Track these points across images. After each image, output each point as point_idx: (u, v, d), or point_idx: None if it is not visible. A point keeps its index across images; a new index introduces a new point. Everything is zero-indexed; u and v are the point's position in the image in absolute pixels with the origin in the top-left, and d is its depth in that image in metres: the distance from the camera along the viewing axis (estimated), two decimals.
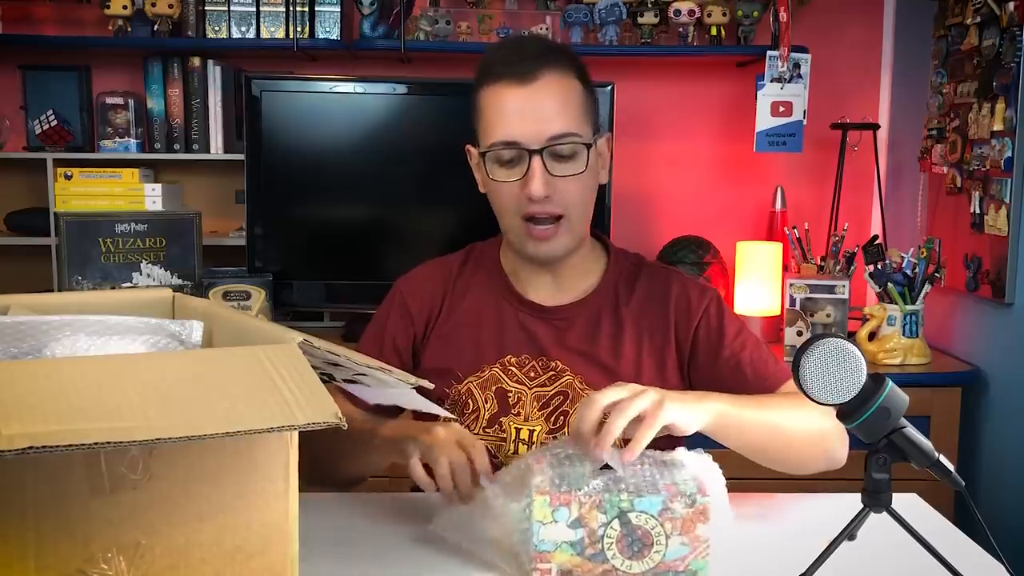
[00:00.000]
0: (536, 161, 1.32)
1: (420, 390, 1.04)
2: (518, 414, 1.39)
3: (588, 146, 1.35)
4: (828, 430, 1.32)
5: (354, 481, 1.43)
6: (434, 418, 1.27)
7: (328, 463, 1.38)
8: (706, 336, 1.42)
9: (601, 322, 1.43)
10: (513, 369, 1.41)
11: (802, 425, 1.30)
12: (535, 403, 1.39)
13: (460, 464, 1.18)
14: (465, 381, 1.41)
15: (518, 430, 1.38)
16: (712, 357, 1.42)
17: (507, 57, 1.36)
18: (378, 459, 1.34)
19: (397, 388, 1.01)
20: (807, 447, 1.33)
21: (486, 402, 1.39)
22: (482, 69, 1.37)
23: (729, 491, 1.35)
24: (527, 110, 1.32)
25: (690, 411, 1.16)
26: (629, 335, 1.42)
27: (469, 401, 1.40)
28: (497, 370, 1.41)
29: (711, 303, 1.44)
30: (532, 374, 1.40)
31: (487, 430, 1.39)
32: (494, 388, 1.40)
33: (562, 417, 1.38)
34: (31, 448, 0.64)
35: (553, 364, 1.40)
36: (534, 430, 1.38)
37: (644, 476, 1.09)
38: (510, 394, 1.39)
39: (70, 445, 0.66)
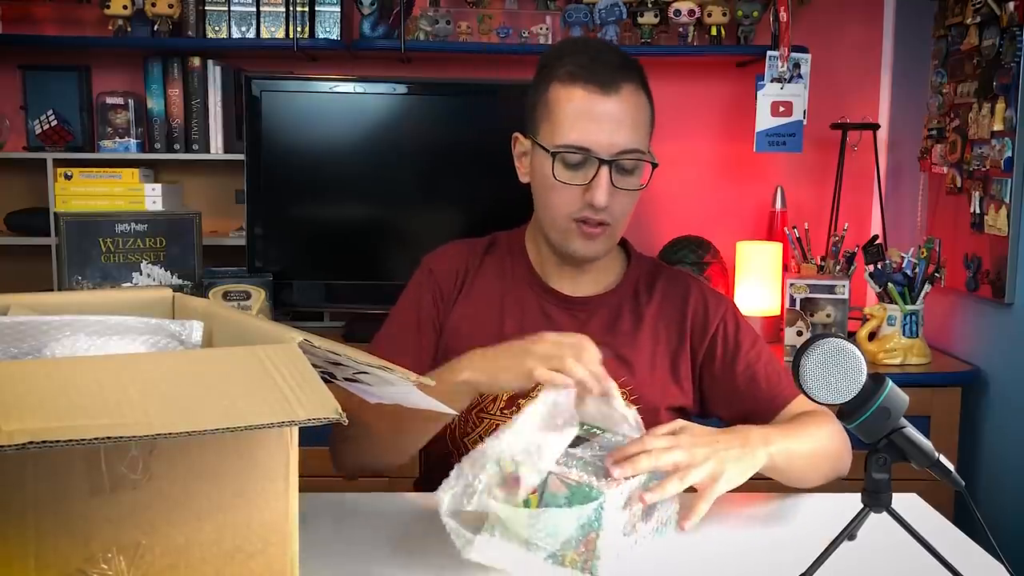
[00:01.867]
0: (604, 171, 1.34)
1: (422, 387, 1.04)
2: (536, 396, 1.39)
3: (652, 165, 1.38)
4: (843, 449, 1.39)
5: (406, 453, 1.39)
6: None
7: (389, 439, 1.35)
8: (723, 345, 1.45)
9: (621, 316, 1.46)
10: None
11: (825, 449, 1.36)
12: None
13: (580, 358, 1.17)
14: None
15: None
16: (728, 367, 1.44)
17: (587, 61, 1.36)
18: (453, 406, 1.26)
19: (398, 386, 1.01)
20: (827, 468, 1.38)
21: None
22: (555, 64, 1.38)
23: (730, 491, 1.36)
24: (604, 120, 1.34)
25: (742, 473, 1.20)
26: (647, 331, 1.45)
27: None
28: None
29: (728, 313, 1.47)
30: None
31: (505, 411, 1.40)
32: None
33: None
34: (31, 443, 0.64)
35: None
36: None
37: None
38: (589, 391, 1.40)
39: (70, 440, 0.66)
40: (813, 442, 1.33)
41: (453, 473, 1.08)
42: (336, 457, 1.43)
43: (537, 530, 1.06)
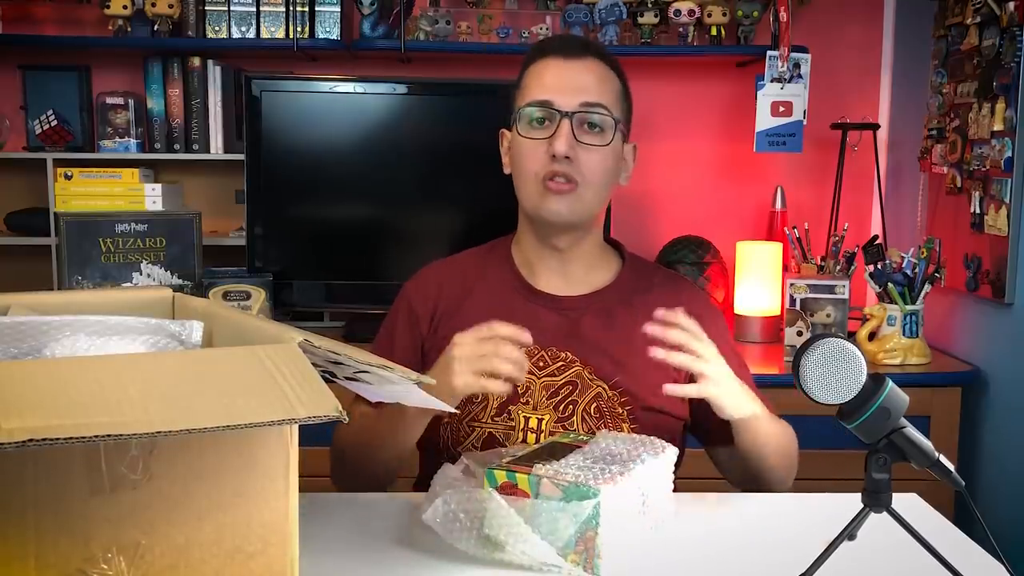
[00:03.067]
0: (565, 122, 1.38)
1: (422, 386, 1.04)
2: (527, 403, 1.40)
3: (616, 123, 1.41)
4: (794, 461, 1.47)
5: (390, 471, 1.43)
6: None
7: (362, 456, 1.41)
8: None
9: (614, 315, 1.45)
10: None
11: (785, 449, 1.43)
12: (544, 392, 1.40)
13: (499, 353, 1.22)
14: None
15: (527, 419, 1.39)
16: None
17: (557, 40, 1.49)
18: (417, 423, 1.34)
19: (399, 385, 1.01)
20: (780, 462, 1.43)
21: (493, 391, 1.40)
22: (529, 53, 1.47)
23: (730, 491, 1.36)
24: (567, 79, 1.40)
25: (735, 404, 1.29)
26: (641, 332, 1.43)
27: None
28: None
29: (722, 328, 1.50)
30: (541, 364, 1.42)
31: (496, 418, 1.40)
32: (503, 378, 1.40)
33: (571, 406, 1.39)
34: (31, 441, 0.64)
35: (563, 355, 1.42)
36: (543, 419, 1.39)
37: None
38: (519, 383, 1.40)
39: (70, 438, 0.66)
40: (781, 437, 1.41)
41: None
42: (333, 479, 1.50)
43: (536, 526, 1.06)
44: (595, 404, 1.39)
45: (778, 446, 1.40)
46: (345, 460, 1.47)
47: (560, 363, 1.42)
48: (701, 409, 1.48)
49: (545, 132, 1.39)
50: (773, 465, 1.40)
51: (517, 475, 1.09)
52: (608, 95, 1.41)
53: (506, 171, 1.48)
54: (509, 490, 1.09)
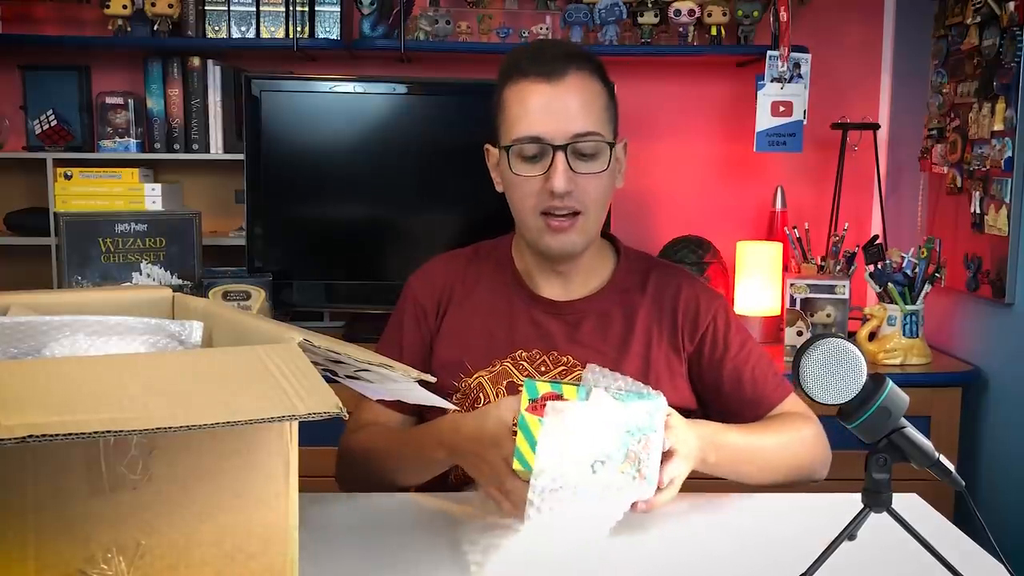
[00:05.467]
0: (560, 157, 1.33)
1: (423, 384, 1.04)
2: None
3: (610, 145, 1.37)
4: (812, 454, 1.41)
5: (403, 486, 1.43)
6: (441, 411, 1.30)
7: (376, 467, 1.40)
8: (711, 345, 1.44)
9: (612, 318, 1.45)
10: (524, 364, 1.42)
11: (786, 451, 1.38)
12: None
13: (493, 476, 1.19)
14: (475, 375, 1.42)
15: None
16: (715, 367, 1.44)
17: (533, 56, 1.38)
18: (435, 470, 1.36)
19: (400, 383, 1.01)
20: (784, 471, 1.39)
21: (497, 396, 1.40)
22: (507, 68, 1.39)
23: (730, 491, 1.36)
24: (553, 107, 1.34)
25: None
26: (639, 332, 1.44)
27: (480, 395, 1.42)
28: (508, 364, 1.42)
29: (719, 311, 1.46)
30: (543, 369, 1.42)
31: None
32: (505, 382, 1.41)
33: None
34: (31, 437, 0.64)
35: (564, 359, 1.42)
36: None
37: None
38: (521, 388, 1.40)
39: (69, 434, 0.66)
40: (773, 444, 1.37)
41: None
42: (338, 480, 1.49)
43: (588, 432, 1.06)
44: None
45: (765, 463, 1.36)
46: (353, 464, 1.45)
47: (562, 367, 1.42)
48: (701, 403, 1.48)
49: (539, 167, 1.35)
50: (761, 479, 1.38)
51: (563, 386, 1.08)
52: (596, 116, 1.36)
53: (498, 190, 1.45)
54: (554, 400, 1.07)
